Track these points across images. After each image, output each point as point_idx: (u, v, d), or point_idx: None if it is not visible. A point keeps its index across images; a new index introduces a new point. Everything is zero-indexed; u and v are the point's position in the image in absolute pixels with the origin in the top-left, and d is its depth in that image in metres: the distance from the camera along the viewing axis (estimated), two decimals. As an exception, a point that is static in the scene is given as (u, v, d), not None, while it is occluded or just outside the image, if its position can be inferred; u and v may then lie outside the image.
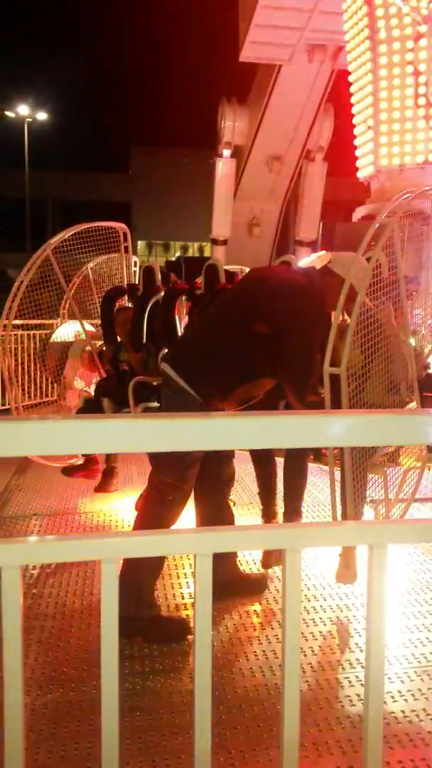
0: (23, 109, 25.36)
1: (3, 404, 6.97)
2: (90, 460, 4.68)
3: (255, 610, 2.92)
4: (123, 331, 4.71)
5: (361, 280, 2.69)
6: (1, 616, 0.94)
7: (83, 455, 4.65)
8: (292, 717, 0.99)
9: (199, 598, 0.98)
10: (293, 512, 3.10)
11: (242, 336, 2.62)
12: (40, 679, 2.36)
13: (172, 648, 2.55)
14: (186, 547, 1.01)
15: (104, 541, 0.98)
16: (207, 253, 25.80)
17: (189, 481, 2.63)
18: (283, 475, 3.18)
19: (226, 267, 4.54)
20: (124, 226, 5.96)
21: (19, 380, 6.22)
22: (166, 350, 4.37)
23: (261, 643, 2.63)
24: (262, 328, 2.57)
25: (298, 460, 3.13)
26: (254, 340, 2.59)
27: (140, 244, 31.87)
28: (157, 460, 2.72)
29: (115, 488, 4.68)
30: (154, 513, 2.61)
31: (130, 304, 5.18)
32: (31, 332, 7.15)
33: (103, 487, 4.63)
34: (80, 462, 4.75)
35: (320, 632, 2.69)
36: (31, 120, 25.52)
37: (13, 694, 0.96)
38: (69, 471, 4.68)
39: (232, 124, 10.75)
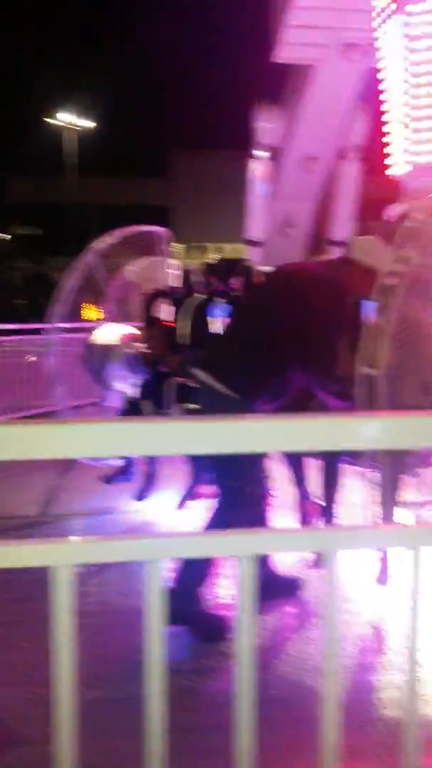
0: (67, 117, 25.85)
1: (47, 406, 7.16)
2: (128, 463, 4.69)
3: (292, 612, 2.93)
4: (154, 345, 4.79)
5: (379, 259, 2.69)
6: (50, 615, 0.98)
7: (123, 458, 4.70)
8: (332, 721, 1.00)
9: (242, 600, 1.00)
10: (331, 515, 3.10)
11: (270, 332, 2.65)
12: (87, 676, 2.42)
13: (216, 648, 2.59)
14: (228, 548, 1.04)
15: (148, 542, 1.01)
16: (243, 255, 25.75)
17: (255, 483, 2.62)
18: (324, 479, 3.18)
19: (262, 268, 4.57)
20: (164, 229, 6.04)
21: (64, 382, 6.37)
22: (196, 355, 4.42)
23: (298, 645, 2.65)
24: (288, 323, 2.60)
25: (333, 462, 3.13)
26: (282, 334, 2.61)
27: (178, 246, 32.07)
28: (221, 464, 2.68)
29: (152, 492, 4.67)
30: (224, 520, 2.59)
31: (171, 306, 5.25)
32: (74, 335, 7.31)
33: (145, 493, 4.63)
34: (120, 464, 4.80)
35: (358, 634, 2.69)
36: (74, 127, 25.99)
37: (65, 690, 1.01)
38: (107, 478, 4.66)
39: (266, 126, 10.73)
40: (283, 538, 1.10)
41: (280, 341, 2.63)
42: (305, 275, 2.76)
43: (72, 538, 1.07)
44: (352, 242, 2.86)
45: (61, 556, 0.99)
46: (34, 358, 7.75)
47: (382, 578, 2.87)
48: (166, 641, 1.01)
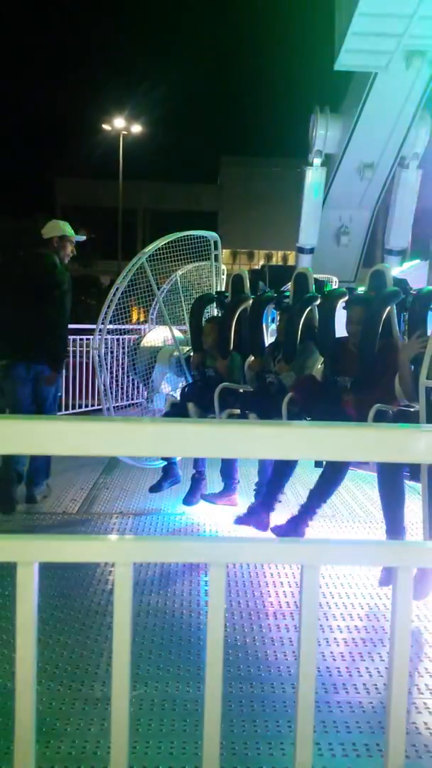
0: (119, 122, 26.30)
1: (93, 405, 7.28)
2: (230, 486, 4.34)
3: (363, 626, 2.86)
4: (208, 341, 4.75)
5: None
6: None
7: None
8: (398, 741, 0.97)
9: (304, 609, 0.97)
10: (396, 530, 3.01)
11: None
12: (140, 673, 2.42)
13: (275, 655, 2.56)
14: (295, 557, 1.01)
15: (214, 545, 0.99)
16: (291, 262, 25.67)
17: None
18: (379, 491, 3.11)
19: (314, 276, 4.51)
20: (215, 234, 6.05)
21: (109, 383, 6.44)
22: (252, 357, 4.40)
23: (366, 662, 2.58)
24: None
25: (391, 475, 3.04)
26: None
27: (225, 252, 32.25)
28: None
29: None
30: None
31: (218, 311, 5.26)
32: (121, 337, 7.39)
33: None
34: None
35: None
36: (126, 133, 26.44)
37: (120, 684, 0.99)
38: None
39: (324, 133, 10.67)
40: (348, 551, 1.06)
41: None
42: None
43: (129, 536, 1.05)
44: None
45: (121, 554, 0.98)
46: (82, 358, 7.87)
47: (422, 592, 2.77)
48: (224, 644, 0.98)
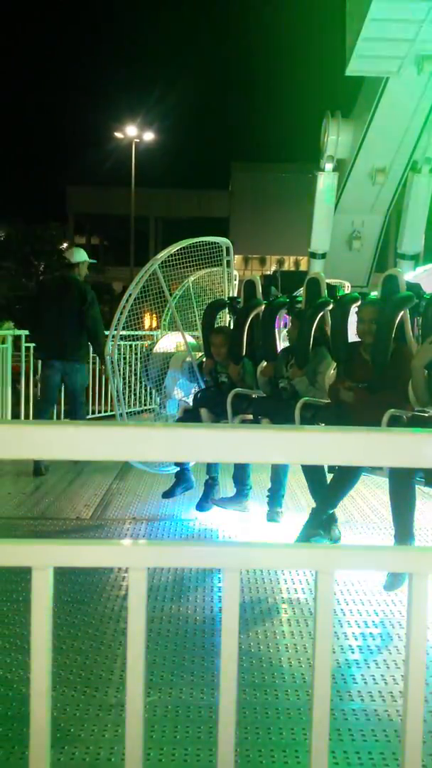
0: (131, 130, 26.48)
1: (106, 411, 7.31)
2: (242, 493, 4.30)
3: (375, 632, 2.84)
4: (221, 353, 4.72)
5: None
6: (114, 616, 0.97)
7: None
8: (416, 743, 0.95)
9: (319, 615, 0.97)
10: (405, 535, 2.99)
11: None
12: (154, 679, 2.42)
13: (289, 662, 2.54)
14: (308, 562, 1.00)
15: (228, 550, 0.99)
16: (303, 267, 25.65)
17: None
18: (390, 496, 3.09)
19: (327, 281, 4.50)
20: (227, 240, 6.06)
21: (123, 388, 6.46)
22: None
23: (381, 669, 2.56)
24: None
25: (403, 480, 3.02)
26: None
27: (237, 258, 32.30)
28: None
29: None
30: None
31: (230, 317, 5.25)
32: (134, 343, 7.42)
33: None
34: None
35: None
36: (138, 141, 26.60)
37: (135, 690, 0.99)
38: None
39: (335, 138, 10.65)
40: (363, 556, 1.05)
41: None
42: None
43: (143, 541, 1.05)
44: None
45: (136, 559, 0.98)
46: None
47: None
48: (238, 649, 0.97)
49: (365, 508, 4.58)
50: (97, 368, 7.24)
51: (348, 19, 9.46)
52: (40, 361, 6.34)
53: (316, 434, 0.95)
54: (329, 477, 3.59)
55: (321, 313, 4.07)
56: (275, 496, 4.19)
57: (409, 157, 10.31)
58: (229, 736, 0.99)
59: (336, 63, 10.34)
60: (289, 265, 32.66)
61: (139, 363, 6.59)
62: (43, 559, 0.96)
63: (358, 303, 3.77)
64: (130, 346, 7.52)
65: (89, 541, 0.96)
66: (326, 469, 3.57)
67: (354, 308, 3.76)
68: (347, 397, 3.54)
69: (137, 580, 0.98)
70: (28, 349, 7.07)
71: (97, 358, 6.87)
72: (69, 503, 4.69)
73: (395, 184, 10.87)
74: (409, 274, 8.36)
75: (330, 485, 3.51)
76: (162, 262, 5.60)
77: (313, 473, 3.65)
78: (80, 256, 6.12)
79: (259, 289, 4.84)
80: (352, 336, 3.78)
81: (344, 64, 9.52)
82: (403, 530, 3.00)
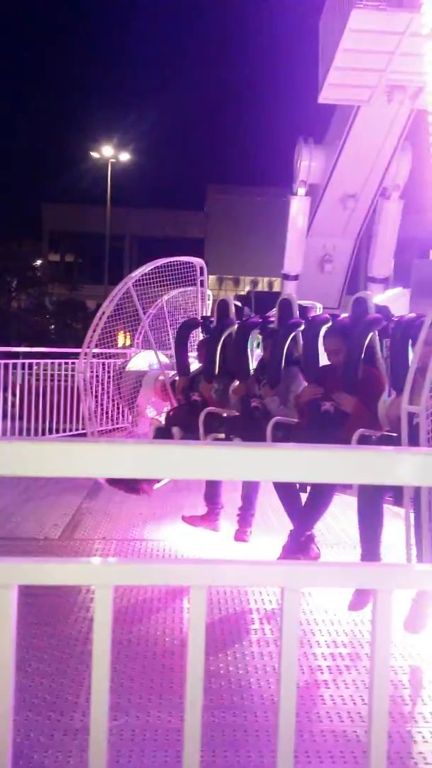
0: (107, 150, 26.62)
1: (78, 429, 7.23)
2: (212, 512, 4.30)
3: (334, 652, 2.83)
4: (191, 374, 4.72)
5: None
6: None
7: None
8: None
9: (285, 633, 0.97)
10: (371, 553, 3.02)
11: None
12: (121, 702, 2.37)
13: (258, 683, 2.52)
14: (274, 580, 1.01)
15: (194, 567, 0.99)
16: (276, 288, 25.94)
17: None
18: (357, 515, 3.11)
19: (298, 302, 4.57)
20: (201, 260, 6.12)
21: (94, 407, 6.41)
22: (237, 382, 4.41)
23: (340, 689, 2.55)
24: None
25: (372, 499, 3.06)
26: None
27: (211, 278, 32.55)
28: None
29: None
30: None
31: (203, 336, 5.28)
32: (106, 361, 7.39)
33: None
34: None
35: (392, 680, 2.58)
36: (114, 160, 26.75)
37: (99, 712, 0.98)
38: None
39: (308, 164, 10.89)
40: (329, 573, 1.06)
41: None
42: None
43: (111, 559, 1.05)
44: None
45: (102, 577, 0.98)
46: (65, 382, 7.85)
47: (416, 624, 2.76)
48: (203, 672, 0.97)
49: (335, 527, 4.60)
50: (70, 386, 7.17)
51: (321, 49, 9.76)
52: None
53: (286, 451, 0.96)
54: (303, 498, 3.61)
55: (293, 334, 4.13)
56: (245, 516, 4.19)
57: (379, 184, 10.60)
58: (194, 759, 0.98)
59: (310, 90, 10.64)
60: (262, 286, 33.00)
61: (111, 381, 6.55)
62: (6, 576, 0.94)
63: (329, 324, 3.84)
64: (103, 363, 7.49)
65: (55, 559, 0.95)
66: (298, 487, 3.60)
67: (324, 329, 3.83)
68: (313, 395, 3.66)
69: (103, 598, 0.97)
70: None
71: (65, 375, 6.81)
72: (37, 523, 4.61)
73: (366, 210, 11.15)
74: (379, 297, 8.53)
75: (305, 506, 3.52)
76: (136, 281, 5.62)
77: (286, 494, 3.66)
78: None
79: (233, 308, 4.89)
80: (325, 357, 3.84)
81: (317, 91, 9.79)
82: (370, 549, 3.03)
